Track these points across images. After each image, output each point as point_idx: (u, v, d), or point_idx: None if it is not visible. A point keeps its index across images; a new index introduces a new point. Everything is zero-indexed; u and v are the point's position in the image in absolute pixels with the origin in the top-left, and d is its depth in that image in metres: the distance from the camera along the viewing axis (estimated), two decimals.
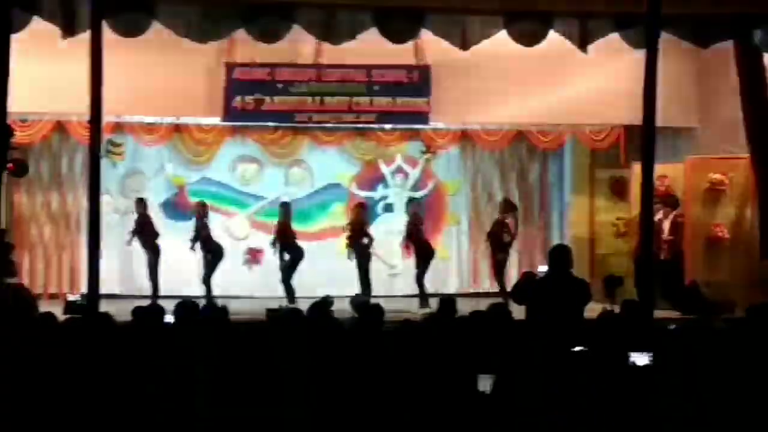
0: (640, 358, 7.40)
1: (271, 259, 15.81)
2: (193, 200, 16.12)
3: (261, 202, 16.95)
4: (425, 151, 17.35)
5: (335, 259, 16.40)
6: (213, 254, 15.30)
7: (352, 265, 15.54)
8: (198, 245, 15.35)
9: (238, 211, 16.70)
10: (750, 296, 13.94)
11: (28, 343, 7.38)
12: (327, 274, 16.15)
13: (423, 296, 15.21)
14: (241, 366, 7.24)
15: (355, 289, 15.16)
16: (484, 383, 6.97)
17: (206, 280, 15.16)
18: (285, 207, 15.82)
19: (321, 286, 15.28)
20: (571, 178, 17.72)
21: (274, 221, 16.04)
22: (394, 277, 16.82)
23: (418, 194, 17.10)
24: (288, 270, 15.36)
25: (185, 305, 8.30)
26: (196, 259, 15.59)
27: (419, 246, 15.57)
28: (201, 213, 15.43)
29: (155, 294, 14.91)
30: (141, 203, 15.56)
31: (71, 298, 14.42)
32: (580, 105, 15.77)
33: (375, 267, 16.30)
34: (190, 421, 7.00)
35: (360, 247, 15.40)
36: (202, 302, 9.50)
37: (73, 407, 6.94)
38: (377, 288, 15.58)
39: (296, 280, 15.38)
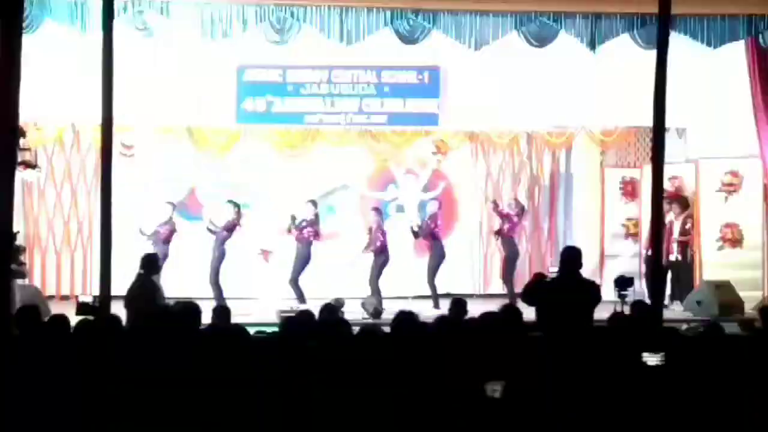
0: (652, 359, 7.40)
1: (283, 259, 15.78)
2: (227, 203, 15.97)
3: (272, 203, 16.97)
4: (435, 152, 17.36)
5: (346, 260, 16.43)
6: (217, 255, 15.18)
7: (362, 267, 15.57)
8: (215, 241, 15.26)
9: (249, 212, 16.68)
10: (760, 297, 13.97)
11: (39, 344, 7.42)
12: (338, 276, 16.17)
13: (435, 297, 15.21)
14: (250, 368, 7.26)
15: (366, 290, 15.16)
16: (494, 388, 6.96)
17: (215, 281, 15.06)
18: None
19: (332, 287, 15.31)
20: (582, 178, 17.71)
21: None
22: (405, 278, 16.79)
23: (431, 194, 17.11)
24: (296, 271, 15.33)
25: (188, 308, 8.33)
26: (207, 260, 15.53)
27: (435, 245, 15.57)
28: (234, 215, 15.36)
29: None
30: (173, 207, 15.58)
31: (83, 299, 14.43)
32: (591, 105, 15.79)
33: (387, 268, 16.33)
34: (197, 424, 7.02)
35: (376, 251, 15.43)
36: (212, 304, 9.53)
37: (84, 408, 6.97)
38: (388, 289, 15.58)
39: (308, 281, 15.36)
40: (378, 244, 15.29)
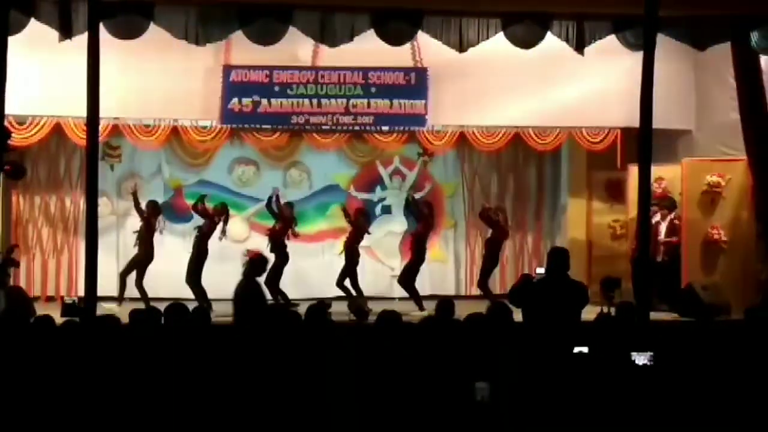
0: (639, 358, 7.41)
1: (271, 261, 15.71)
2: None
3: (258, 204, 16.93)
4: (422, 153, 17.36)
5: (333, 261, 16.41)
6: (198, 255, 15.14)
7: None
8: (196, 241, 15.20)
9: (236, 214, 16.62)
10: (746, 298, 13.98)
11: (25, 346, 7.40)
12: (325, 277, 16.14)
13: (417, 300, 15.13)
14: (236, 368, 7.24)
15: (354, 291, 15.15)
16: (482, 391, 6.95)
17: (196, 282, 14.97)
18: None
19: (319, 288, 15.28)
20: (568, 180, 17.73)
21: (272, 223, 16.00)
22: (394, 279, 16.78)
23: (418, 196, 17.14)
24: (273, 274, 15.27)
25: (175, 308, 8.32)
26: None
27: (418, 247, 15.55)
28: (217, 213, 15.32)
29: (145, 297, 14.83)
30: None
31: (68, 300, 14.42)
32: (577, 107, 15.80)
33: (374, 269, 16.35)
34: (186, 423, 7.00)
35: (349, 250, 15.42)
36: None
37: (71, 409, 6.95)
38: (378, 290, 15.57)
39: (295, 282, 15.31)
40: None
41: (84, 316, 9.92)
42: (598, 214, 17.18)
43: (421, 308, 14.58)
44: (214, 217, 15.16)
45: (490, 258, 15.83)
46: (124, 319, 8.40)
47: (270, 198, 15.61)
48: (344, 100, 15.62)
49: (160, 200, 16.25)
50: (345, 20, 13.88)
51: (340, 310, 13.60)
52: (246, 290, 11.07)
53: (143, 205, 15.24)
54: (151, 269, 15.21)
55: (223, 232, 15.17)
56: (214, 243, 15.15)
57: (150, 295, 14.64)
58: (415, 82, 15.69)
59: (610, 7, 13.82)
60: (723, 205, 15.40)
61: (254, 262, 11.52)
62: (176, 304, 8.42)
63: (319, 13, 13.85)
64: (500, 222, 15.91)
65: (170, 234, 15.95)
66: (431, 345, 7.57)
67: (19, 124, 14.99)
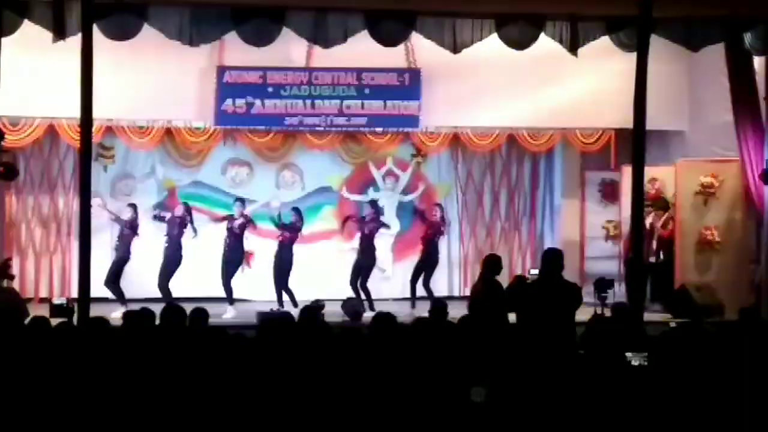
0: (634, 359, 7.41)
1: (264, 262, 15.70)
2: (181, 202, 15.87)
3: (252, 205, 16.88)
4: (416, 154, 17.33)
5: (326, 262, 16.40)
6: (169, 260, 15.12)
7: (344, 269, 15.59)
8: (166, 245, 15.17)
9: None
10: (739, 299, 14.00)
11: (19, 347, 7.39)
12: (318, 278, 16.12)
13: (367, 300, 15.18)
14: (231, 369, 7.23)
15: (347, 292, 15.15)
16: (478, 394, 6.95)
17: (165, 286, 14.92)
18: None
19: (311, 289, 15.26)
20: (562, 181, 17.72)
21: (265, 224, 15.96)
22: (384, 280, 16.77)
23: (411, 197, 17.15)
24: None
25: (171, 310, 8.32)
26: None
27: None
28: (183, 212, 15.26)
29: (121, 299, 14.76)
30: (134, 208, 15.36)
31: (56, 301, 14.35)
32: (571, 108, 15.82)
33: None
34: (180, 424, 6.99)
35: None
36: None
37: (65, 409, 6.94)
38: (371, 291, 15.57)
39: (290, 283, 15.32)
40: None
41: (73, 317, 9.93)
42: (592, 215, 17.19)
43: (372, 309, 14.50)
44: (173, 222, 15.10)
45: (431, 256, 15.79)
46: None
47: (188, 212, 15.40)
48: (338, 101, 15.64)
49: (154, 201, 16.25)
50: (338, 21, 13.89)
51: (335, 311, 13.66)
52: (485, 289, 11.01)
53: (125, 212, 15.18)
54: (143, 269, 15.22)
55: (194, 230, 15.12)
56: (209, 242, 15.24)
57: (140, 296, 14.56)
58: (409, 83, 15.72)
59: (603, 8, 13.83)
60: (716, 206, 15.41)
61: (491, 262, 11.43)
62: (172, 306, 8.41)
63: (312, 14, 13.85)
64: (435, 218, 15.89)
65: (162, 233, 15.88)
66: (425, 347, 7.56)
67: (13, 125, 14.98)
